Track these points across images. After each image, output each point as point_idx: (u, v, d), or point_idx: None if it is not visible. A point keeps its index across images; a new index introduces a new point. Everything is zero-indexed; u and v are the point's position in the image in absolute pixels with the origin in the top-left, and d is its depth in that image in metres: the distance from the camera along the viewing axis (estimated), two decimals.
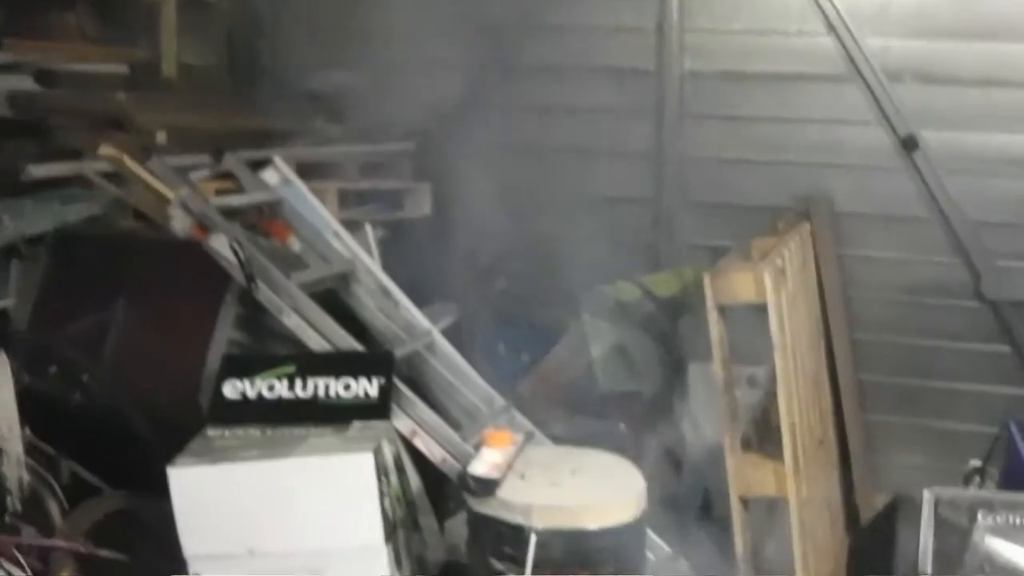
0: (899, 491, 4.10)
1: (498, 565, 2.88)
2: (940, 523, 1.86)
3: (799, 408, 3.57)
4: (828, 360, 4.52)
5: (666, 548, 3.79)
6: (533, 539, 2.81)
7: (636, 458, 4.22)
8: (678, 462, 4.31)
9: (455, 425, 3.33)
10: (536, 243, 4.82)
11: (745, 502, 3.57)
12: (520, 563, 2.83)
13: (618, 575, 2.91)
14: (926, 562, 1.95)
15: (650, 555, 3.77)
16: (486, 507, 2.88)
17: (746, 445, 3.66)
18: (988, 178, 4.59)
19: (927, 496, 1.48)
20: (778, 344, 3.37)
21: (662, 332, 4.55)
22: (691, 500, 4.28)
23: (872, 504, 4.59)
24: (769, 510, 3.84)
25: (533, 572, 2.82)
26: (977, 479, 3.71)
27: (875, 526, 1.53)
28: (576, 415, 4.24)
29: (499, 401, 3.83)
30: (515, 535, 2.84)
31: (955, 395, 4.75)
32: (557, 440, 3.91)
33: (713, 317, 3.38)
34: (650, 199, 5.03)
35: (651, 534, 3.78)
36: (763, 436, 3.84)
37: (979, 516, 2.31)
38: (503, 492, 2.88)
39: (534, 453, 3.17)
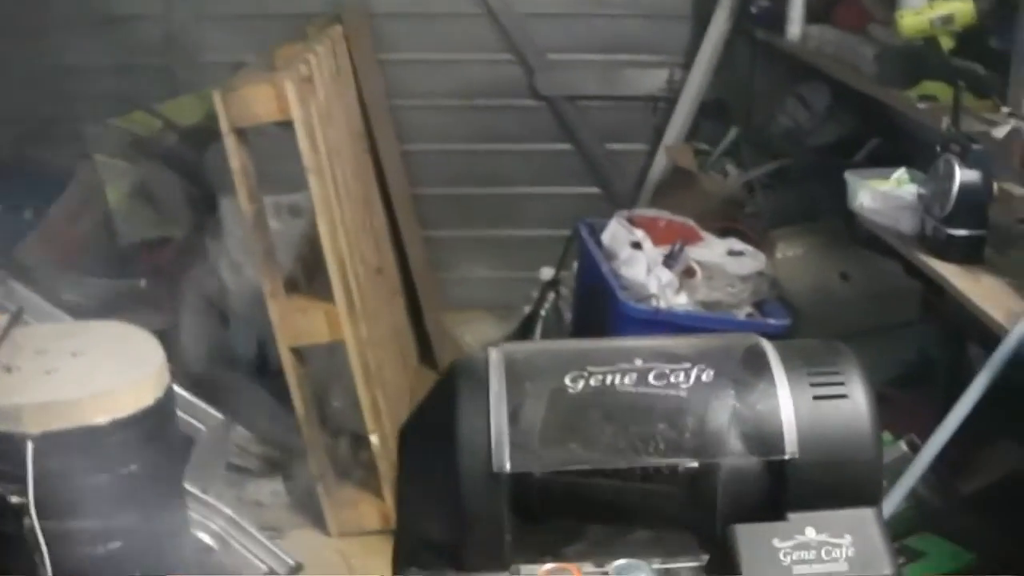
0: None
1: None
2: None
3: (347, 237, 3.11)
4: (378, 178, 4.08)
5: (218, 415, 3.31)
6: (30, 448, 2.22)
7: (170, 315, 3.72)
8: (223, 314, 3.79)
9: None
10: (29, 74, 4.04)
11: (299, 352, 3.09)
12: (19, 480, 2.24)
13: (148, 471, 2.38)
14: None
15: (200, 425, 3.28)
16: None
17: (293, 286, 3.17)
18: None
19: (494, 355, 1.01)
20: (311, 166, 2.86)
21: (188, 166, 3.96)
22: (244, 355, 3.81)
23: (443, 327, 4.30)
24: (332, 354, 3.40)
25: (37, 490, 2.23)
26: (551, 293, 3.48)
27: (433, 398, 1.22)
28: (93, 276, 3.60)
29: None
30: (6, 445, 2.25)
31: (520, 200, 4.54)
32: (72, 311, 3.29)
33: (231, 143, 2.82)
34: (160, 15, 4.31)
35: (198, 402, 3.29)
36: (313, 273, 3.36)
37: None
38: None
39: (25, 336, 2.53)
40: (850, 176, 2.86)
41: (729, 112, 4.39)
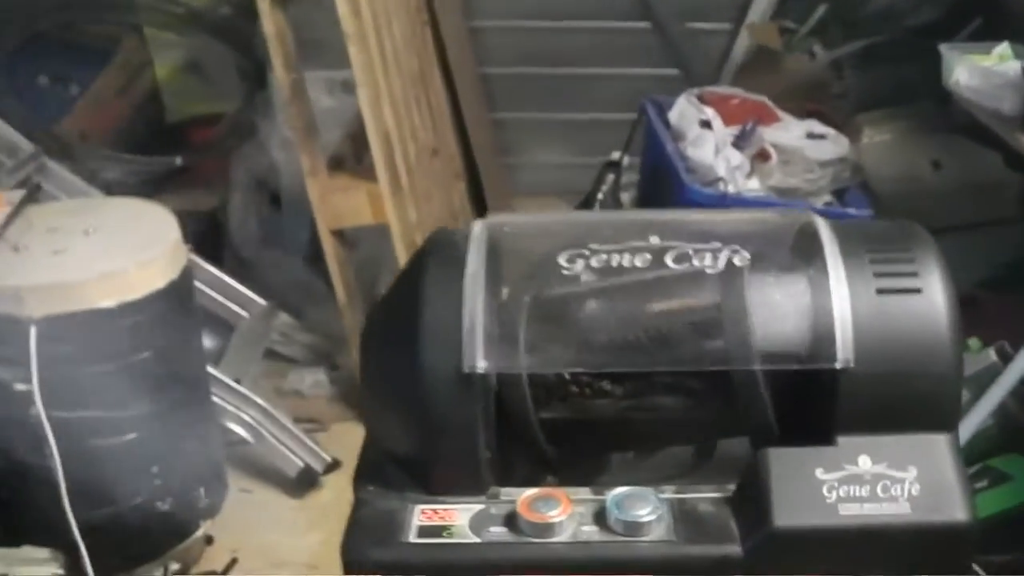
0: None
1: None
2: None
3: (396, 112, 2.88)
4: (439, 54, 3.83)
5: (261, 302, 3.14)
6: (33, 332, 2.05)
7: (219, 196, 3.55)
8: (274, 195, 3.61)
9: None
10: None
11: (341, 236, 2.89)
12: (23, 365, 2.09)
13: (163, 358, 2.21)
14: None
15: (242, 312, 3.12)
16: None
17: (339, 165, 2.96)
18: None
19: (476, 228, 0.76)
20: (351, 31, 2.62)
21: (241, 39, 3.73)
22: (295, 239, 3.63)
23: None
24: (381, 241, 3.21)
25: (42, 377, 2.08)
26: (611, 175, 3.22)
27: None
28: (137, 154, 3.43)
29: (25, 147, 2.99)
30: (9, 330, 2.09)
31: (594, 81, 4.25)
32: (112, 190, 3.13)
33: (264, 6, 2.58)
34: None
35: (240, 287, 3.13)
36: (363, 154, 3.14)
37: None
38: None
39: (39, 213, 2.36)
40: (946, 49, 2.56)
41: None
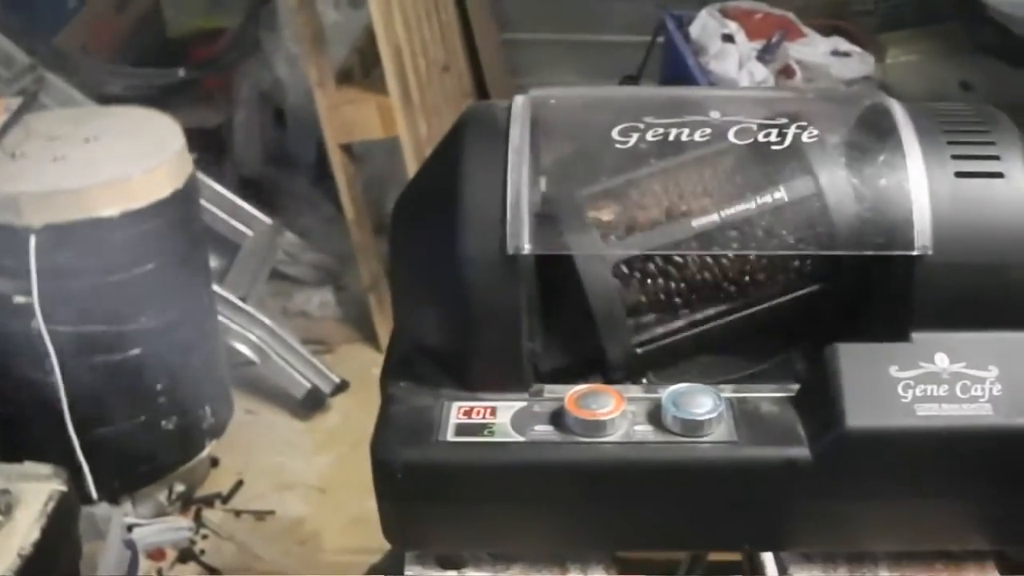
0: None
1: None
2: None
3: (407, 25, 2.77)
4: None
5: (266, 220, 3.07)
6: (32, 242, 1.98)
7: (223, 111, 3.46)
8: (279, 112, 3.52)
9: None
10: None
11: (349, 150, 2.80)
12: (23, 277, 2.02)
13: (168, 270, 2.13)
14: None
15: (246, 230, 3.05)
16: None
17: (346, 78, 2.86)
18: None
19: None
20: None
21: None
22: (301, 156, 3.55)
23: None
24: (391, 157, 3.12)
25: (42, 289, 2.01)
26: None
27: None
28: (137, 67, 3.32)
29: (22, 59, 2.89)
30: (7, 240, 2.01)
31: (605, 2, 4.11)
32: (111, 104, 3.03)
33: None
34: None
35: (245, 205, 3.06)
36: (370, 69, 3.04)
37: None
38: None
39: (38, 121, 2.27)
40: None
41: None
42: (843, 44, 2.83)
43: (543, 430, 0.81)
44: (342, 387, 2.72)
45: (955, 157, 0.85)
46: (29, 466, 1.70)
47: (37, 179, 2.02)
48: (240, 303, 2.63)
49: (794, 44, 2.75)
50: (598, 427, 0.80)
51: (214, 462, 2.58)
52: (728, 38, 2.70)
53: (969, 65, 3.05)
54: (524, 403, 0.84)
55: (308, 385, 2.68)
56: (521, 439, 0.81)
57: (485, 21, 3.89)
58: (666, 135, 0.83)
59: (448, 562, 0.86)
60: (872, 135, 0.86)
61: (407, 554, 0.87)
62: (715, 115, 0.84)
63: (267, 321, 2.66)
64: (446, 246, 0.82)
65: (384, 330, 2.94)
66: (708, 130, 0.83)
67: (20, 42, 3.00)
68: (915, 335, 0.83)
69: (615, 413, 0.81)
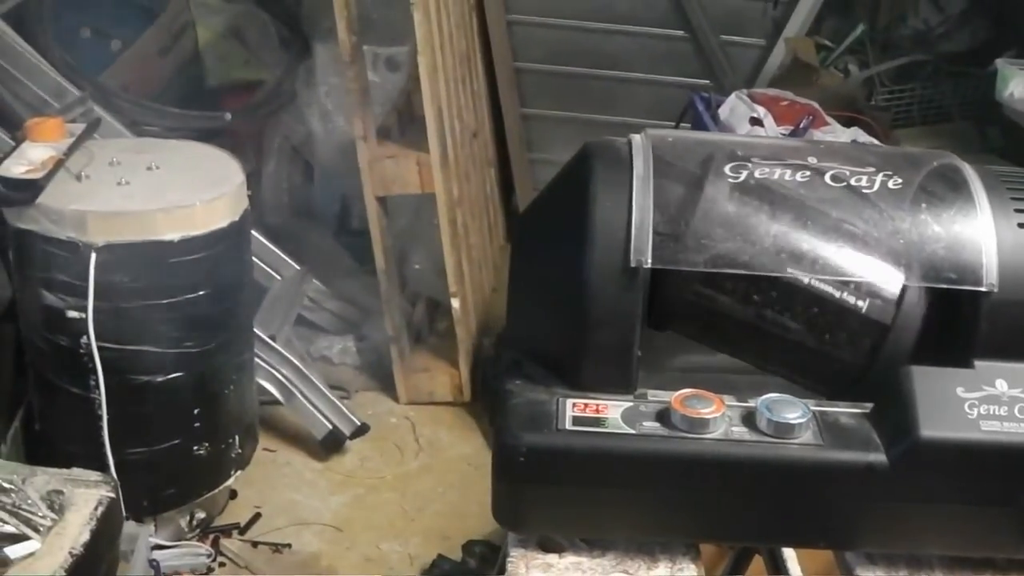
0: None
1: (50, 298, 2.15)
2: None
3: (448, 87, 2.90)
4: (482, 45, 3.86)
5: (294, 265, 3.16)
6: (93, 259, 2.07)
7: (253, 161, 3.56)
8: (308, 165, 3.63)
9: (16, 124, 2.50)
10: None
11: (384, 203, 2.91)
12: (79, 293, 2.11)
13: (217, 300, 2.23)
14: None
15: (275, 274, 3.14)
16: (27, 220, 2.14)
17: (384, 136, 2.98)
18: None
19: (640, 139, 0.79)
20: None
21: (284, 8, 3.76)
22: (326, 209, 3.66)
23: None
24: (417, 215, 3.23)
25: (97, 307, 2.10)
26: None
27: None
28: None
29: (73, 93, 2.99)
30: (69, 255, 2.11)
31: (625, 85, 4.26)
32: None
33: None
34: None
35: (275, 249, 3.15)
36: (405, 127, 3.17)
37: None
38: (49, 198, 2.11)
39: (101, 147, 2.38)
40: (1002, 63, 2.60)
41: (855, 9, 4.10)
42: (862, 135, 2.96)
43: (651, 426, 0.92)
44: (362, 430, 2.80)
45: (1018, 211, 0.97)
46: (78, 472, 1.76)
47: (103, 200, 2.12)
48: (271, 341, 2.71)
49: (818, 131, 2.88)
50: (701, 424, 0.91)
51: (232, 494, 2.64)
52: (756, 121, 2.83)
53: (980, 164, 3.18)
54: (631, 403, 0.94)
55: (329, 426, 2.76)
56: (632, 431, 0.91)
57: (510, 94, 4.03)
58: (770, 173, 0.95)
59: (549, 545, 0.96)
60: (946, 187, 0.98)
61: (511, 537, 0.96)
62: (812, 160, 0.96)
63: (295, 360, 2.74)
64: (574, 257, 0.92)
65: (404, 381, 3.02)
66: (808, 172, 0.95)
67: (68, 78, 3.11)
68: (977, 363, 0.94)
69: (716, 413, 0.91)
